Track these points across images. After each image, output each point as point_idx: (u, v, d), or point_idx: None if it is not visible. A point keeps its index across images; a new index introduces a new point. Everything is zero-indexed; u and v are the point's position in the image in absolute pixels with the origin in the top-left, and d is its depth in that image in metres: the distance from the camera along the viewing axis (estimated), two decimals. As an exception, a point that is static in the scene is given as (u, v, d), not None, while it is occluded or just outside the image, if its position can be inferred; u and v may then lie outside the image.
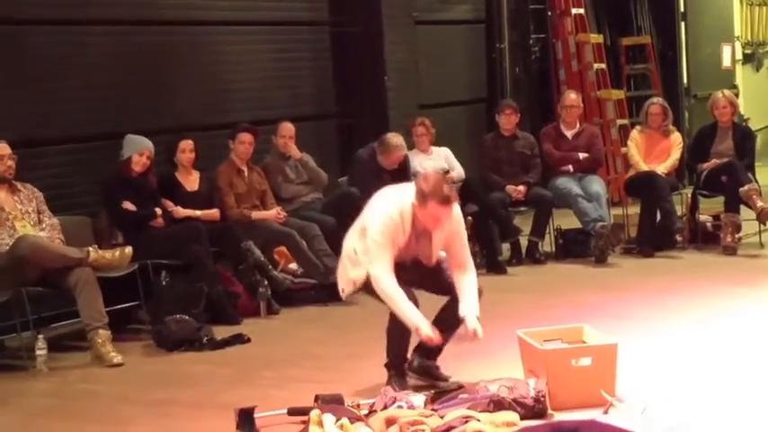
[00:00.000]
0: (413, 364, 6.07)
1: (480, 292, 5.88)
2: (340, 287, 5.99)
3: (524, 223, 10.02)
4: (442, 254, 5.96)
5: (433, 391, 5.56)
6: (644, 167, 9.94)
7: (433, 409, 5.20)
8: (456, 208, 5.84)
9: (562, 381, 5.34)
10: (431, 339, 5.65)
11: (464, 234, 5.98)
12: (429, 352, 6.03)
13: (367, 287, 5.83)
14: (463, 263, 5.89)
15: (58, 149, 8.32)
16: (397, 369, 5.99)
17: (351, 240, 5.92)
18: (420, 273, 5.91)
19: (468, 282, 5.84)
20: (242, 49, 9.87)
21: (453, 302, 5.89)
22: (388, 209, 5.76)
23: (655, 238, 9.76)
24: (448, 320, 5.86)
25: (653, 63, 14.03)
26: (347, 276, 5.90)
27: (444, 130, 10.39)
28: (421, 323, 5.63)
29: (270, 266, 8.57)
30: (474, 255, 9.35)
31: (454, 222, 5.83)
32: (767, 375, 5.81)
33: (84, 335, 7.16)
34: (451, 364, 6.14)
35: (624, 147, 10.78)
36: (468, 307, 5.73)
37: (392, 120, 10.48)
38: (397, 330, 5.90)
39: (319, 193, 9.27)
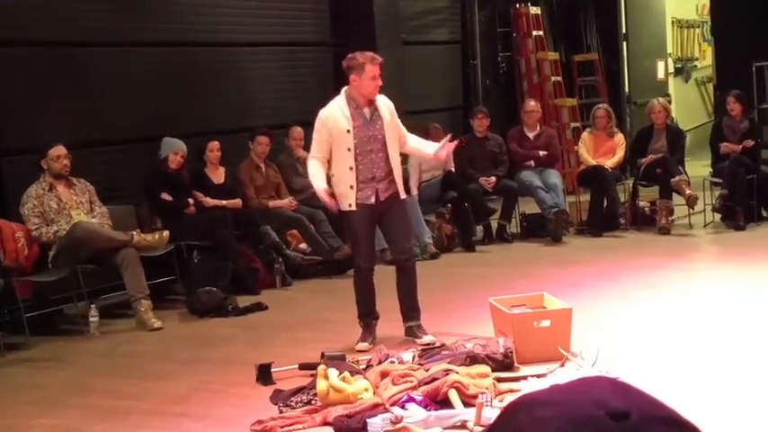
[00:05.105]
0: (406, 328, 6.09)
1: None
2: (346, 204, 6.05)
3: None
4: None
5: (419, 349, 5.56)
6: (593, 163, 9.93)
7: (419, 364, 5.20)
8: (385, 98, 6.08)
9: (526, 339, 5.35)
10: (327, 203, 5.94)
11: (399, 120, 6.16)
12: (412, 315, 6.08)
13: None
14: (405, 135, 6.16)
15: (106, 150, 8.29)
16: (364, 320, 6.04)
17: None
18: (388, 219, 6.02)
19: (413, 138, 6.25)
20: (259, 65, 9.84)
21: (402, 273, 6.07)
22: (319, 113, 6.02)
23: (602, 221, 9.75)
24: (402, 291, 6.09)
25: (600, 76, 14.00)
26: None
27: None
28: (322, 189, 5.91)
29: (284, 246, 8.57)
30: (453, 236, 9.49)
31: (395, 114, 6.08)
32: (692, 328, 5.86)
33: (130, 304, 7.16)
34: (435, 326, 6.14)
35: (577, 146, 10.76)
36: (427, 145, 6.32)
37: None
38: (360, 285, 6.02)
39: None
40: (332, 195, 5.92)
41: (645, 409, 0.87)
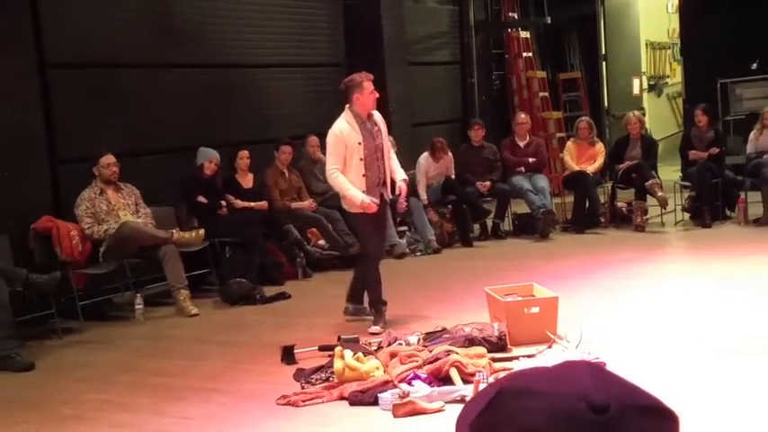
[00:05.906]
0: (348, 310, 6.18)
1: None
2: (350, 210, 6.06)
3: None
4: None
5: (424, 333, 5.55)
6: (576, 168, 9.90)
7: (423, 346, 5.20)
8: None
9: (518, 324, 5.34)
10: (370, 206, 5.81)
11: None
12: (357, 297, 6.23)
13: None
14: (389, 148, 6.15)
15: (149, 158, 8.29)
16: (375, 306, 6.03)
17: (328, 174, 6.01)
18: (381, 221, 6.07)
19: (394, 158, 6.15)
20: (281, 84, 9.83)
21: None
22: (331, 131, 5.92)
23: (585, 220, 9.72)
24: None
25: (582, 92, 13.95)
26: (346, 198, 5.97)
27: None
28: (362, 197, 5.80)
29: (305, 242, 8.57)
30: (453, 233, 9.48)
31: (384, 125, 6.08)
32: (664, 314, 5.84)
33: (170, 294, 7.18)
34: (438, 312, 6.13)
35: (562, 153, 10.73)
36: (401, 174, 6.07)
37: (393, 135, 10.43)
38: (370, 276, 5.96)
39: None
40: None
41: (623, 398, 0.86)
